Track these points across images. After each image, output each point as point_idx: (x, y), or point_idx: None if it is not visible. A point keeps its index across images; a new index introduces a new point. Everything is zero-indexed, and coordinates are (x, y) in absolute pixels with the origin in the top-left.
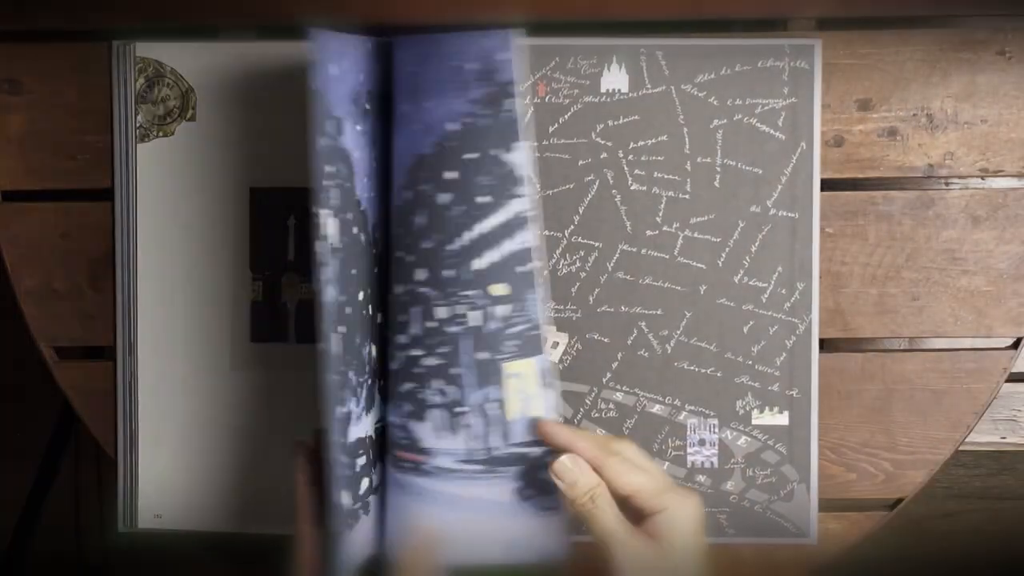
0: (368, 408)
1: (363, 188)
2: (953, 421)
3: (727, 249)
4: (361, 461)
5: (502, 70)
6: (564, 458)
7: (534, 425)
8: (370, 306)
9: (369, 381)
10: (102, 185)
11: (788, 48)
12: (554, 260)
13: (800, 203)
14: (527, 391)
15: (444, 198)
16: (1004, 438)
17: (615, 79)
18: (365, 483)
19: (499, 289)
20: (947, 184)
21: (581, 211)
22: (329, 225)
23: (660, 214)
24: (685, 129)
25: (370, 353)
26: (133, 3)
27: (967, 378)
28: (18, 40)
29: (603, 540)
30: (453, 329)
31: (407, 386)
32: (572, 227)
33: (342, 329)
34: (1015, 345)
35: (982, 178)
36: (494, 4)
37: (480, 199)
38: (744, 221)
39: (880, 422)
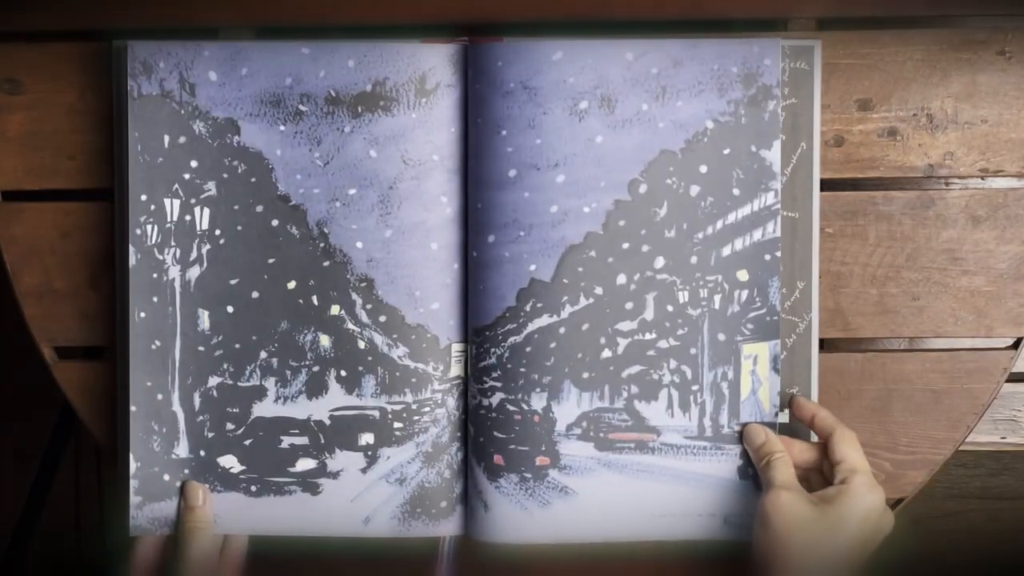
0: (312, 394)
1: (294, 184)
2: (953, 421)
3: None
4: (297, 441)
5: (767, 74)
6: (753, 424)
7: (788, 401)
8: (314, 296)
9: (315, 368)
10: (102, 185)
11: (788, 48)
12: None
13: (800, 203)
14: (759, 373)
15: (694, 190)
16: (1004, 438)
17: None
18: (307, 464)
19: (743, 275)
20: (947, 184)
21: None
22: (176, 210)
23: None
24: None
25: (316, 341)
26: (133, 3)
27: (967, 378)
28: (18, 40)
29: (767, 486)
30: (694, 312)
31: (634, 369)
32: None
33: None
34: (1015, 345)
35: (982, 178)
36: (495, 3)
37: (734, 191)
38: None
39: (880, 422)
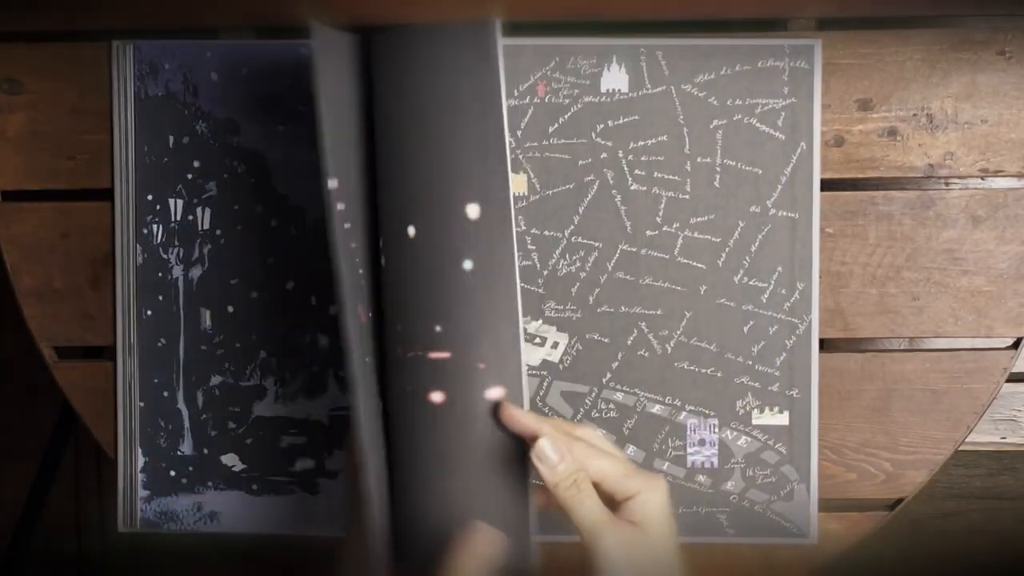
0: (312, 393)
1: (293, 184)
2: (953, 421)
3: (727, 249)
4: (296, 440)
5: None
6: (543, 441)
7: (495, 409)
8: (313, 296)
9: (314, 368)
10: (102, 185)
11: (788, 48)
12: (554, 260)
13: (800, 203)
14: None
15: None
16: (1004, 438)
17: (615, 79)
18: (306, 463)
19: None
20: (947, 184)
21: (581, 211)
22: (179, 210)
23: (660, 214)
24: (685, 129)
25: (315, 341)
26: (133, 3)
27: (967, 378)
28: (18, 40)
29: (587, 529)
30: None
31: None
32: (572, 227)
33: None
34: (1015, 345)
35: (982, 178)
36: (496, 4)
37: None
38: (744, 221)
39: (880, 422)
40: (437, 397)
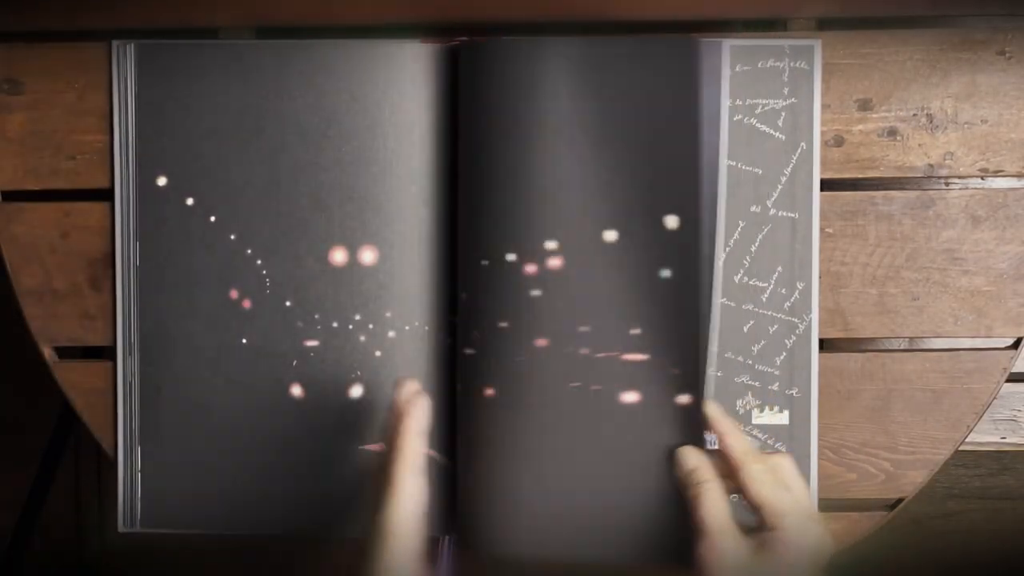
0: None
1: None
2: (953, 421)
3: (727, 249)
4: None
5: None
6: (687, 447)
7: (693, 412)
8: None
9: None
10: (102, 185)
11: (788, 48)
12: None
13: (800, 203)
14: None
15: None
16: (1004, 438)
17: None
18: None
19: None
20: (947, 184)
21: None
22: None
23: None
24: None
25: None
26: (133, 3)
27: (967, 378)
28: (18, 40)
29: (706, 529)
30: None
31: None
32: None
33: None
34: (1015, 345)
35: (982, 178)
36: (496, 4)
37: None
38: (744, 221)
39: (880, 422)
40: (631, 397)
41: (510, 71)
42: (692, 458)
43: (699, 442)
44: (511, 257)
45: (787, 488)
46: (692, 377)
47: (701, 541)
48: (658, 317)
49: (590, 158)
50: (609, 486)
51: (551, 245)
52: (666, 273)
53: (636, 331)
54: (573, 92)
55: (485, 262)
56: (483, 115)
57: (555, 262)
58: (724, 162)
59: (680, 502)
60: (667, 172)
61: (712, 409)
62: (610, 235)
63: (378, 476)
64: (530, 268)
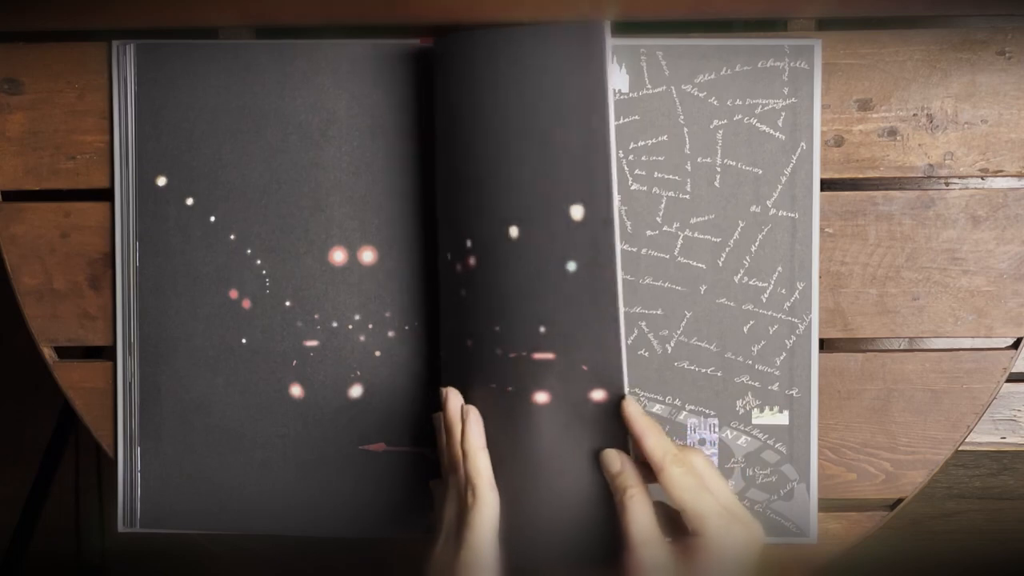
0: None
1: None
2: (953, 421)
3: (727, 249)
4: None
5: None
6: (610, 451)
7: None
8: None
9: None
10: (102, 185)
11: (788, 48)
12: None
13: (800, 203)
14: None
15: None
16: (1004, 438)
17: (615, 79)
18: None
19: None
20: (947, 184)
21: None
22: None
23: (660, 214)
24: (685, 129)
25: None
26: (133, 3)
27: (967, 378)
28: (18, 40)
29: (630, 540)
30: None
31: None
32: None
33: None
34: (1015, 345)
35: (982, 178)
36: (496, 4)
37: None
38: (744, 221)
39: (880, 422)
40: (542, 397)
41: (455, 68)
42: (615, 463)
43: (622, 441)
44: (447, 256)
45: (707, 490)
46: (605, 373)
47: (626, 552)
48: (566, 312)
49: (495, 153)
50: (538, 490)
51: (468, 243)
52: (572, 266)
53: (542, 329)
54: (487, 86)
55: (446, 258)
56: (436, 113)
57: (472, 260)
58: (614, 147)
59: (608, 504)
60: (569, 161)
61: (630, 408)
62: (514, 230)
63: (447, 492)
64: (459, 267)
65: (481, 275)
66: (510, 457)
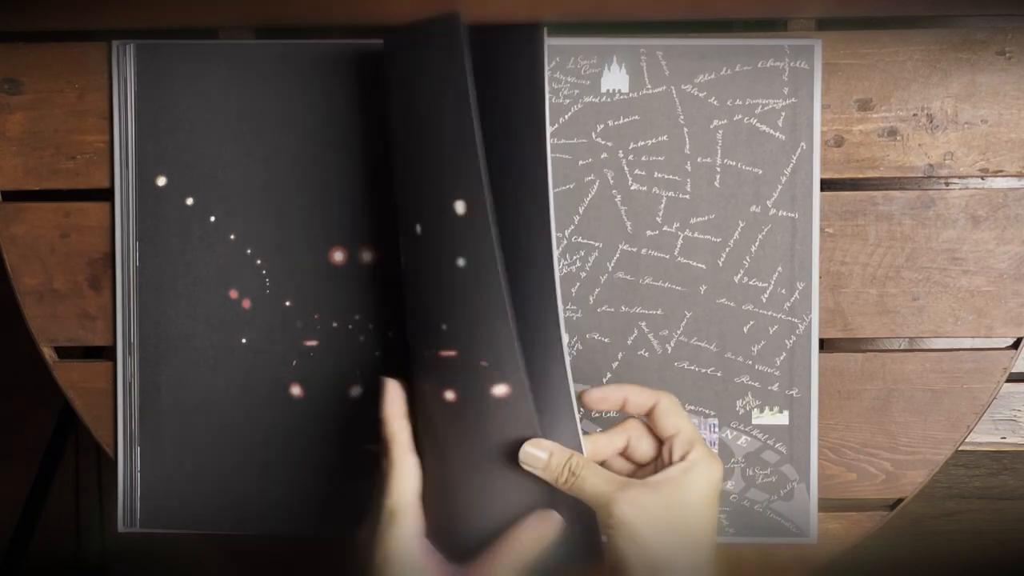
0: None
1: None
2: (953, 421)
3: (727, 249)
4: None
5: None
6: (525, 445)
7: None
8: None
9: None
10: (102, 185)
11: (788, 48)
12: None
13: (800, 203)
14: None
15: None
16: (1004, 438)
17: (615, 79)
18: None
19: None
20: (947, 184)
21: (581, 211)
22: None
23: (660, 214)
24: (685, 129)
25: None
26: (133, 3)
27: (967, 378)
28: (18, 40)
29: (598, 502)
30: None
31: None
32: (572, 227)
33: None
34: (1015, 345)
35: (982, 178)
36: (496, 4)
37: None
38: (744, 221)
39: (880, 422)
40: (450, 395)
41: (381, 70)
42: (539, 453)
43: (530, 434)
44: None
45: (685, 418)
46: (506, 369)
47: (602, 516)
48: (461, 308)
49: (396, 152)
50: (457, 487)
51: (400, 241)
52: (461, 262)
53: (444, 326)
54: (391, 87)
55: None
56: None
57: (402, 258)
58: (480, 142)
59: (527, 501)
60: (446, 158)
61: (591, 393)
62: (419, 227)
63: (379, 469)
64: (401, 264)
65: (405, 273)
66: (432, 454)
